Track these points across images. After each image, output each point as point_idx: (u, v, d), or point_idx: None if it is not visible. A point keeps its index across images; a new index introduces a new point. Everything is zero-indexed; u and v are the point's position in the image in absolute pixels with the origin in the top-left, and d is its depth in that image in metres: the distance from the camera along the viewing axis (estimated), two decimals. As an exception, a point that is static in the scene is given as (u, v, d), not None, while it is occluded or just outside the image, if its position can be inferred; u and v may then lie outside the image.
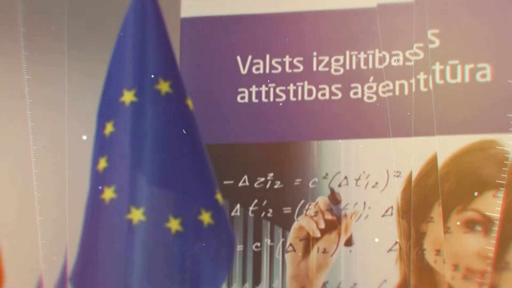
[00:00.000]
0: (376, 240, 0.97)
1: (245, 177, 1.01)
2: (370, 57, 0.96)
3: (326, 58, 0.98)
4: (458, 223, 0.93)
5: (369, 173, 0.98)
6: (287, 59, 1.00)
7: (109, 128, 0.99)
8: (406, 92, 0.95)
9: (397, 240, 0.96)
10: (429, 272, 0.94)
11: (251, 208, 1.01)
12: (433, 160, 0.94)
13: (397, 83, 0.96)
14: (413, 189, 0.95)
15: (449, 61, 0.95)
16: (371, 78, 0.97)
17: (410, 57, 0.95)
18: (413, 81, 0.95)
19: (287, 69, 0.99)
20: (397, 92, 0.96)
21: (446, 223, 0.93)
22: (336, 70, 0.98)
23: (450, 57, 0.95)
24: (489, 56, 0.94)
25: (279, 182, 1.00)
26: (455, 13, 0.95)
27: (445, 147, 0.94)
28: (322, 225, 1.00)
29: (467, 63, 0.95)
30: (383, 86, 0.95)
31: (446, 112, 0.95)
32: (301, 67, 0.99)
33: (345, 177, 0.99)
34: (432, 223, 0.94)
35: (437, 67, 0.96)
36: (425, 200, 0.95)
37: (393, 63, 0.96)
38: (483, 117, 0.94)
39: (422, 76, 0.95)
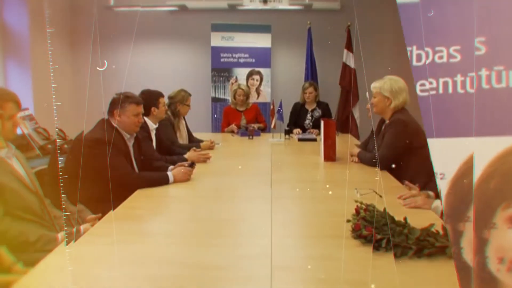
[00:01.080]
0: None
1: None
2: (407, 54, 0.89)
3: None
4: None
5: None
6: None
7: None
8: (450, 90, 0.87)
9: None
10: (492, 282, 0.88)
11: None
12: (496, 162, 0.86)
13: (441, 80, 0.88)
14: (474, 193, 0.88)
15: None
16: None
17: (455, 53, 0.86)
18: (474, 77, 0.87)
19: None
20: (440, 91, 0.88)
21: None
22: None
23: None
24: None
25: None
26: None
27: None
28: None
29: None
30: (421, 85, 0.88)
31: None
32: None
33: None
34: (495, 230, 0.87)
35: None
36: (486, 205, 0.88)
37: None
38: None
39: (484, 73, 0.86)
